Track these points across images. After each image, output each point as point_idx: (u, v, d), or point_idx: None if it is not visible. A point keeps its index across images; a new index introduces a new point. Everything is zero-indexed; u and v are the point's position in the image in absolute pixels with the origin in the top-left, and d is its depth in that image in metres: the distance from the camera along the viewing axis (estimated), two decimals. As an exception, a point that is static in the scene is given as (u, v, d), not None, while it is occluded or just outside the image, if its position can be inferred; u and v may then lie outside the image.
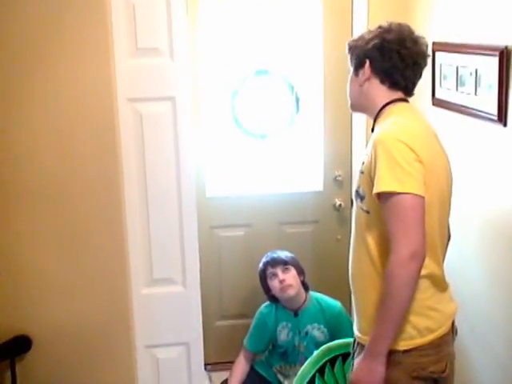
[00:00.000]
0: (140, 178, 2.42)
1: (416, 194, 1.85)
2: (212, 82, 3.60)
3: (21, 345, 2.39)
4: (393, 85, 2.10)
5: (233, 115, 3.68)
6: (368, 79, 2.10)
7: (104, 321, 2.42)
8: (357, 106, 2.22)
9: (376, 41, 2.08)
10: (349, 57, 2.17)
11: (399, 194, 1.84)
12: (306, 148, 3.77)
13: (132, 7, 2.29)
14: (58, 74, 2.21)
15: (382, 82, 2.09)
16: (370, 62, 2.08)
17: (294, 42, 3.63)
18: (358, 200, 2.03)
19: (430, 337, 2.00)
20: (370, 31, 2.14)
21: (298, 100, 3.69)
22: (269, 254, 3.31)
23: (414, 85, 2.14)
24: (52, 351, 2.42)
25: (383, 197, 1.87)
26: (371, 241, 1.99)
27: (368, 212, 1.99)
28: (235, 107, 3.67)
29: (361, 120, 3.55)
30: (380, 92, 2.10)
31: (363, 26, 3.47)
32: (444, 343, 2.04)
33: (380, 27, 2.12)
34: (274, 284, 3.19)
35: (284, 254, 3.27)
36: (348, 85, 2.20)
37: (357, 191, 2.04)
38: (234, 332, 3.73)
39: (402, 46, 2.07)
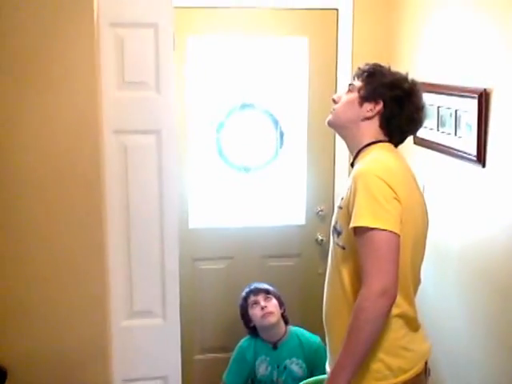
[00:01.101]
0: (123, 210, 2.42)
1: (392, 231, 1.85)
2: (198, 114, 3.63)
3: (-4, 376, 2.36)
4: (387, 134, 2.11)
5: (217, 148, 3.71)
6: (370, 118, 2.09)
7: (82, 353, 2.38)
8: (339, 128, 2.17)
9: (398, 92, 2.07)
10: (358, 79, 2.13)
11: (375, 229, 1.84)
12: (288, 182, 3.80)
13: (121, 41, 2.32)
14: (44, 103, 2.22)
15: (381, 127, 2.10)
16: (383, 107, 2.07)
17: (279, 77, 3.68)
18: (335, 235, 2.03)
19: (403, 377, 1.99)
20: (390, 69, 2.14)
21: (282, 134, 3.73)
22: (251, 284, 3.34)
23: (401, 142, 2.17)
24: (27, 383, 2.38)
25: (359, 232, 1.88)
26: (346, 278, 1.99)
27: (344, 248, 1.99)
28: (220, 140, 3.70)
29: (344, 155, 3.58)
30: (372, 132, 2.10)
31: (348, 63, 3.55)
32: (417, 383, 2.04)
33: (400, 73, 2.13)
34: (256, 312, 3.21)
35: (266, 285, 3.31)
36: (342, 101, 2.14)
37: (334, 227, 2.04)
38: (214, 366, 3.70)
39: (416, 113, 2.10)
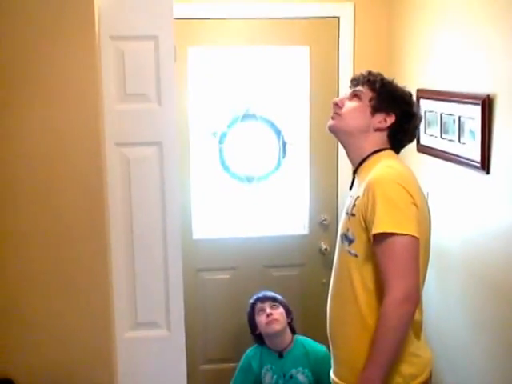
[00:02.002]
0: (126, 222, 2.42)
1: (413, 236, 1.87)
2: (200, 125, 3.64)
3: (3, 389, 2.36)
4: (391, 143, 2.13)
5: (220, 158, 3.71)
6: (381, 130, 2.10)
7: (86, 365, 2.38)
8: (345, 134, 2.15)
9: (408, 107, 2.13)
10: (364, 86, 2.13)
11: (397, 235, 1.86)
12: (291, 192, 3.80)
13: (121, 54, 2.32)
14: (46, 117, 2.22)
15: (388, 137, 2.12)
16: (395, 120, 2.10)
17: (280, 87, 3.68)
18: (346, 243, 2.02)
19: (414, 383, 1.99)
20: (396, 84, 2.17)
21: (284, 144, 3.73)
22: (259, 292, 3.36)
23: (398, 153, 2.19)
24: (34, 396, 2.38)
25: (379, 238, 1.88)
26: (359, 286, 1.99)
27: (356, 255, 1.98)
28: (222, 151, 3.70)
29: (347, 163, 3.52)
30: (379, 142, 2.11)
31: (349, 72, 3.54)
32: None
33: (409, 92, 2.18)
34: (261, 319, 3.23)
35: (274, 294, 3.32)
36: (350, 107, 2.13)
37: (344, 234, 2.03)
38: (219, 376, 3.69)
39: (416, 129, 2.18)
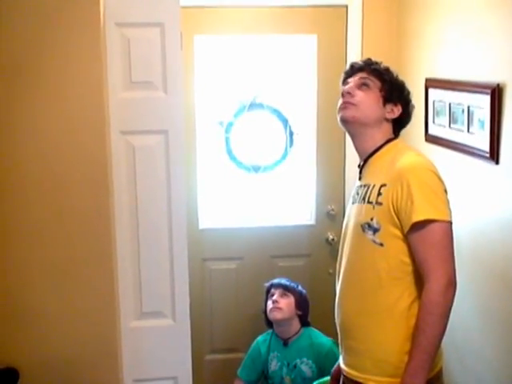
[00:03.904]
0: (131, 211, 2.41)
1: (450, 222, 1.91)
2: (206, 114, 3.62)
3: (8, 377, 2.36)
4: (394, 130, 2.17)
5: (226, 148, 3.69)
6: (388, 120, 2.13)
7: (92, 354, 2.39)
8: (361, 125, 2.11)
9: (410, 97, 2.17)
10: (372, 76, 2.12)
11: (437, 221, 1.89)
12: (298, 181, 3.78)
13: (127, 41, 2.31)
14: (51, 105, 2.21)
15: (394, 124, 2.15)
16: (402, 111, 2.14)
17: (287, 76, 3.66)
18: (369, 232, 2.00)
19: (435, 370, 2.00)
20: (398, 76, 2.18)
21: (291, 134, 3.71)
22: (277, 278, 3.39)
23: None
24: (39, 384, 2.39)
25: (418, 226, 1.89)
26: (385, 275, 1.97)
27: (382, 245, 1.97)
28: (229, 140, 3.69)
29: (354, 154, 3.53)
30: (388, 131, 2.14)
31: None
32: (440, 378, 2.06)
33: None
34: (268, 304, 3.26)
35: (290, 282, 3.32)
36: (365, 97, 2.11)
37: (368, 224, 2.00)
38: (225, 366, 3.70)
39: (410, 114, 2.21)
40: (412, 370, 1.89)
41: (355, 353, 2.08)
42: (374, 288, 2.00)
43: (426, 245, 1.89)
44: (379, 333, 1.99)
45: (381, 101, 2.10)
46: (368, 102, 2.09)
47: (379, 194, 1.98)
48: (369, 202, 2.01)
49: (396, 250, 1.95)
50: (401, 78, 2.20)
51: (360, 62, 2.19)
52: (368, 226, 2.00)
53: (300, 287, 3.33)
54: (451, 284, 1.88)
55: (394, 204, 1.93)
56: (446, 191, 1.97)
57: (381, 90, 2.11)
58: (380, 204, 1.97)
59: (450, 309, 1.89)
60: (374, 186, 2.01)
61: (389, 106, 2.11)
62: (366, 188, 2.04)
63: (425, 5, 3.17)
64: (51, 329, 2.36)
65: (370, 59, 2.18)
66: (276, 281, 3.34)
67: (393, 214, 1.94)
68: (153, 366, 2.56)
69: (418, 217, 1.88)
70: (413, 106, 2.20)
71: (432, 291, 1.87)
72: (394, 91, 2.12)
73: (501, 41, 2.44)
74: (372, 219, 1.99)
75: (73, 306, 2.35)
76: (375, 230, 1.98)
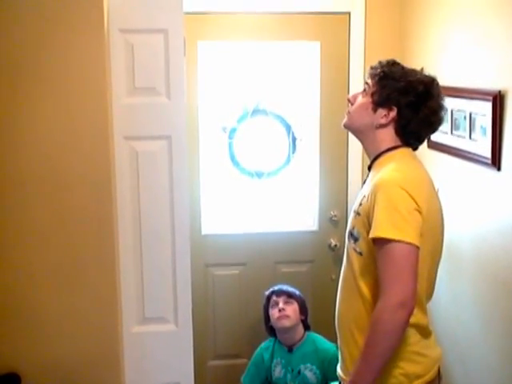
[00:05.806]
0: (134, 216, 2.42)
1: (411, 243, 1.82)
2: (210, 120, 3.63)
3: (10, 382, 2.36)
4: (403, 140, 2.06)
5: (229, 154, 3.70)
6: (385, 126, 2.04)
7: (94, 360, 2.38)
8: (356, 132, 2.12)
9: (412, 98, 2.00)
10: (371, 81, 2.06)
11: (395, 241, 1.82)
12: (301, 187, 3.78)
13: (131, 47, 2.32)
14: (55, 110, 2.22)
15: (397, 133, 2.05)
16: (398, 114, 2.02)
17: (291, 82, 3.67)
18: (352, 241, 2.01)
19: (418, 382, 1.98)
20: (403, 69, 2.05)
21: (294, 140, 3.72)
22: (277, 285, 3.36)
23: (420, 143, 2.13)
24: (41, 389, 2.39)
25: (378, 242, 1.86)
26: (363, 283, 1.98)
27: (361, 254, 1.97)
28: (232, 146, 3.69)
29: (357, 160, 3.57)
30: (389, 138, 2.05)
31: (360, 67, 3.52)
32: None
33: (415, 73, 2.05)
34: (274, 312, 3.24)
35: (292, 289, 3.31)
36: (357, 103, 2.09)
37: (351, 232, 2.02)
38: (227, 372, 3.70)
39: (433, 115, 2.04)
40: (352, 377, 1.93)
41: (345, 358, 2.09)
42: (355, 295, 2.00)
43: (382, 262, 1.85)
44: (359, 339, 1.98)
45: (370, 107, 2.04)
46: (357, 109, 2.08)
47: (360, 204, 1.98)
48: (354, 211, 2.01)
49: (373, 260, 1.92)
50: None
51: (372, 65, 2.11)
52: (351, 235, 2.02)
53: (297, 291, 3.33)
54: (403, 305, 1.80)
55: (367, 216, 1.92)
56: (419, 211, 1.86)
57: (372, 95, 2.04)
58: (359, 214, 1.97)
59: (399, 330, 1.83)
60: (363, 195, 2.01)
61: (381, 112, 2.02)
62: (360, 196, 2.05)
63: (427, 12, 3.18)
64: (53, 334, 2.36)
65: (380, 62, 2.08)
66: (276, 288, 3.32)
67: (367, 225, 1.92)
68: (155, 371, 2.56)
69: (374, 233, 1.85)
70: (425, 106, 2.01)
71: (380, 309, 1.84)
72: (387, 95, 2.02)
73: (503, 48, 2.44)
74: (353, 228, 2.00)
75: (75, 310, 2.35)
76: (356, 239, 1.99)
